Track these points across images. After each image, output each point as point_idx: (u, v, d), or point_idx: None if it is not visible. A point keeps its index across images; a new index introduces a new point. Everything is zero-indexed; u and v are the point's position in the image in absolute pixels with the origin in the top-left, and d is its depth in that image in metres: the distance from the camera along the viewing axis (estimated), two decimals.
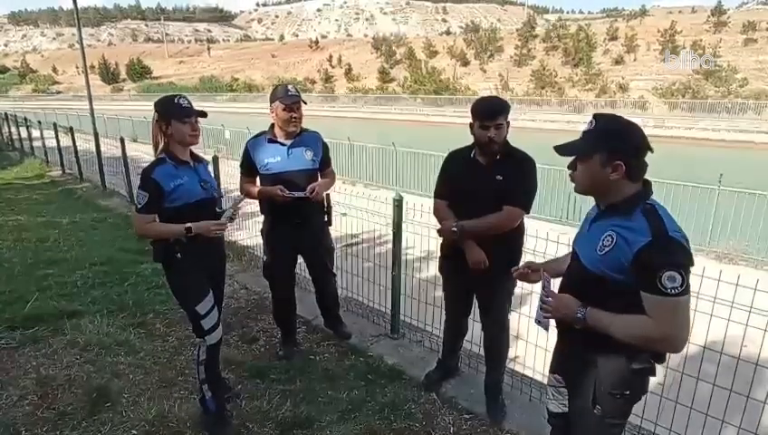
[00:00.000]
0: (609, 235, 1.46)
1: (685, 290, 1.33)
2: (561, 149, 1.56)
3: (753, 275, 6.25)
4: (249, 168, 2.89)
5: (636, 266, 1.37)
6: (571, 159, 1.58)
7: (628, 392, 1.51)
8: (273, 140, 2.83)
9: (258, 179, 2.90)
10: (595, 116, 1.53)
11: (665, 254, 1.34)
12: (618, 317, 1.44)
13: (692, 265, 1.36)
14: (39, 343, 3.25)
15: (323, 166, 2.96)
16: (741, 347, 2.39)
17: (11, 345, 3.22)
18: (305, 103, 2.83)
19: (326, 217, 3.04)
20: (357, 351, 3.27)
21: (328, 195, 3.02)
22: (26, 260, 4.90)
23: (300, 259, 3.16)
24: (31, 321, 3.51)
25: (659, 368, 2.46)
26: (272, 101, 2.79)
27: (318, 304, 3.42)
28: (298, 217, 2.85)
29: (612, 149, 1.46)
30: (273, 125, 2.86)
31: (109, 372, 2.93)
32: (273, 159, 2.80)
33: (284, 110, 2.74)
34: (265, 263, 3.10)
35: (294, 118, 2.76)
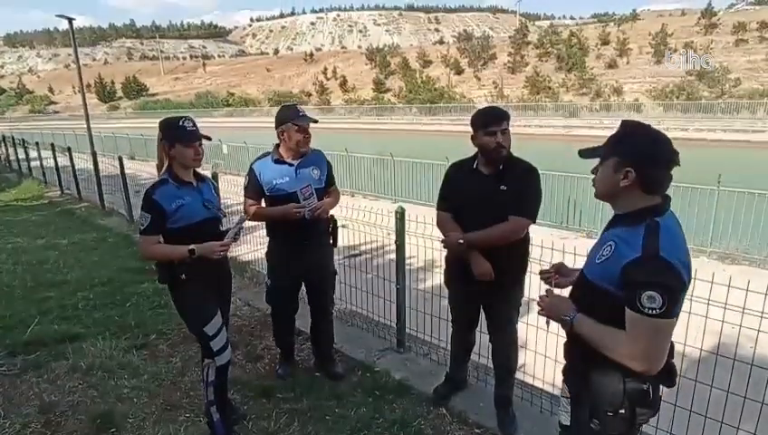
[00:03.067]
0: (610, 244, 1.44)
1: (664, 313, 1.29)
2: (584, 153, 1.57)
3: (760, 274, 6.25)
4: (255, 189, 2.80)
5: (622, 280, 1.36)
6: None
7: (623, 412, 1.44)
8: (279, 161, 2.78)
9: (264, 202, 2.84)
10: (622, 122, 1.52)
11: (649, 272, 1.30)
12: (599, 327, 1.43)
13: (681, 289, 1.31)
14: (41, 368, 3.20)
15: (328, 184, 2.92)
16: (754, 352, 2.36)
17: (12, 372, 3.17)
18: (316, 122, 2.79)
19: (331, 238, 2.97)
20: (363, 366, 3.23)
21: (333, 216, 2.96)
22: (26, 283, 4.85)
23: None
24: (32, 346, 3.46)
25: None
26: (281, 123, 2.72)
27: (311, 337, 3.26)
28: (304, 239, 2.80)
29: (624, 155, 1.43)
30: (277, 145, 2.82)
31: (112, 397, 2.89)
32: (281, 179, 2.75)
33: (298, 131, 2.69)
34: (269, 287, 3.04)
35: (307, 138, 2.73)
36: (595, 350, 1.45)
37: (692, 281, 2.14)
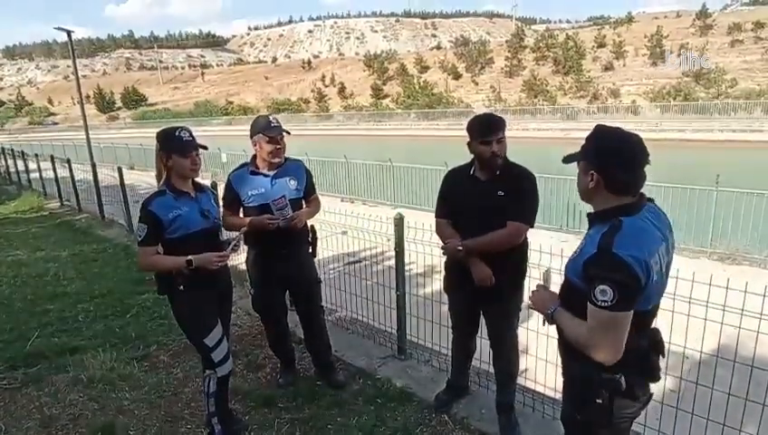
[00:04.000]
0: (583, 242, 1.54)
1: (614, 306, 1.36)
2: (565, 159, 1.64)
3: (760, 274, 6.24)
4: (232, 201, 2.83)
5: (582, 275, 1.45)
6: None
7: (600, 401, 1.50)
8: (255, 172, 2.79)
9: (242, 212, 2.85)
10: (595, 126, 1.57)
11: (601, 268, 1.39)
12: (572, 320, 1.52)
13: (633, 285, 1.36)
14: (42, 381, 3.20)
15: (307, 194, 2.92)
16: (754, 353, 2.36)
17: (13, 385, 3.17)
18: (288, 133, 2.80)
19: (311, 248, 2.97)
20: (364, 374, 3.23)
21: (313, 226, 2.97)
22: (26, 296, 4.85)
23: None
24: (33, 359, 3.46)
25: (671, 378, 2.45)
26: (253, 134, 2.74)
27: (307, 348, 3.24)
28: (283, 249, 2.79)
29: (589, 159, 1.52)
30: (254, 156, 2.82)
31: (113, 409, 2.88)
32: (256, 190, 2.75)
33: (269, 142, 2.70)
34: (253, 296, 3.05)
35: (278, 149, 2.73)
36: (571, 341, 1.54)
37: (692, 284, 2.17)
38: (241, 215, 2.85)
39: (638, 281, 1.36)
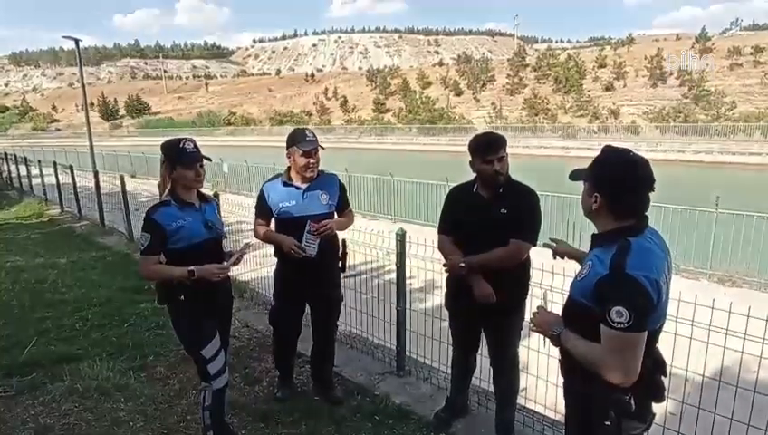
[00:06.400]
0: (589, 263, 1.53)
1: (631, 327, 1.35)
2: (572, 175, 1.65)
3: (760, 298, 6.22)
4: (264, 210, 2.83)
5: (594, 296, 1.44)
6: None
7: (608, 424, 1.50)
8: (288, 184, 2.79)
9: (273, 222, 2.85)
10: (603, 147, 1.58)
11: (616, 289, 1.38)
12: (581, 341, 1.51)
13: (648, 304, 1.37)
14: (37, 390, 3.17)
15: (341, 207, 2.90)
16: (756, 378, 2.35)
17: (8, 394, 3.13)
18: (323, 148, 2.78)
19: (340, 262, 2.93)
20: (363, 390, 3.20)
21: (344, 240, 2.93)
22: (24, 303, 4.82)
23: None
24: (29, 367, 3.43)
25: (672, 401, 2.43)
26: (289, 146, 2.74)
27: (312, 362, 3.21)
28: (310, 263, 2.75)
29: (594, 180, 1.53)
30: (288, 168, 2.83)
31: (108, 420, 2.85)
32: (288, 202, 2.75)
33: (302, 156, 2.69)
34: (272, 308, 3.03)
35: (312, 164, 2.72)
36: (581, 363, 1.52)
37: (695, 306, 2.17)
38: (272, 225, 2.86)
39: (651, 301, 1.38)
